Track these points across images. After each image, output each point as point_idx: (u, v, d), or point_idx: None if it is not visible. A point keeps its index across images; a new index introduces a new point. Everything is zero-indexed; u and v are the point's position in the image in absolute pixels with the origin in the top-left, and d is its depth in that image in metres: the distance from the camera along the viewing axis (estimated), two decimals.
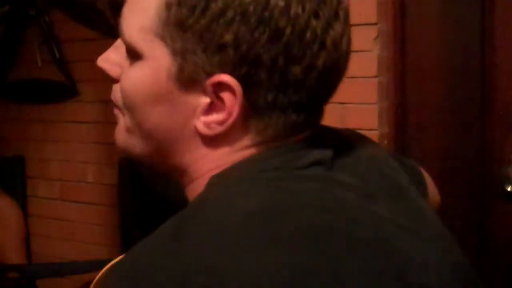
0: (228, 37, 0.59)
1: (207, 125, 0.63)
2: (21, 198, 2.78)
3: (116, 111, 0.71)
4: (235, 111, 0.61)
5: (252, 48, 0.59)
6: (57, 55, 2.62)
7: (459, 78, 1.95)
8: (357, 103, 1.95)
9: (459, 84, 1.95)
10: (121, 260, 0.58)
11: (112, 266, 0.58)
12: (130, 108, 0.67)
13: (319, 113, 0.68)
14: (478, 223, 1.93)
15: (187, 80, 0.62)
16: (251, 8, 0.58)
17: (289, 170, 0.63)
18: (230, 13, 0.58)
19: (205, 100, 0.62)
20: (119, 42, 0.68)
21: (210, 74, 0.61)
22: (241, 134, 0.64)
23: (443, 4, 1.94)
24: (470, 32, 1.91)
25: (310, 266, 0.55)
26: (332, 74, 0.63)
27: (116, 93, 0.69)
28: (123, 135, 0.70)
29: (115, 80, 0.69)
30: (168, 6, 0.61)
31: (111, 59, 0.69)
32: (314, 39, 0.60)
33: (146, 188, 2.12)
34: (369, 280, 0.57)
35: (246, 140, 0.65)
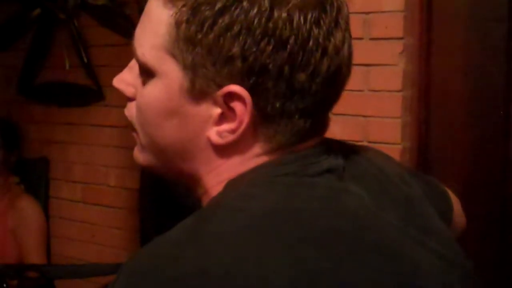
0: (236, 50, 0.62)
1: (219, 134, 0.66)
2: (44, 199, 2.80)
3: (132, 133, 0.74)
4: (246, 119, 0.64)
5: (259, 58, 0.62)
6: (85, 59, 2.65)
7: (484, 94, 1.93)
8: (381, 117, 1.95)
9: (484, 100, 1.94)
10: (135, 256, 0.60)
11: (126, 262, 0.60)
12: (144, 124, 0.71)
13: (325, 121, 0.71)
14: (500, 239, 1.91)
15: (198, 93, 0.65)
16: (256, 21, 0.61)
17: (301, 176, 0.66)
18: (236, 27, 0.61)
19: (216, 111, 0.65)
20: (133, 62, 0.72)
21: (220, 86, 0.64)
22: (251, 142, 0.67)
23: (469, 20, 1.93)
24: (496, 49, 1.90)
25: (318, 269, 0.57)
26: (335, 79, 0.66)
27: (131, 110, 0.72)
28: (141, 152, 0.74)
29: (131, 99, 0.72)
30: (177, 24, 0.64)
31: (126, 79, 0.72)
32: (316, 47, 0.63)
33: (167, 194, 2.14)
34: (376, 285, 0.59)
35: (257, 148, 0.67)
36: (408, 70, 1.94)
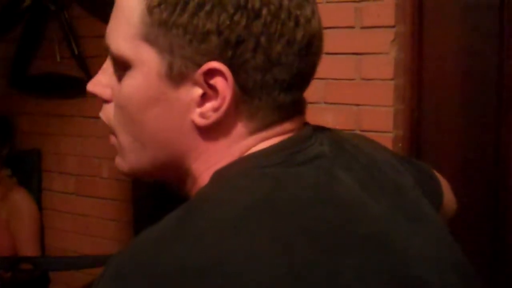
0: (210, 26, 0.62)
1: (203, 115, 0.66)
2: (36, 191, 2.80)
3: (111, 140, 0.74)
4: (228, 94, 0.64)
5: (234, 31, 0.62)
6: (76, 51, 2.64)
7: (476, 82, 1.94)
8: (373, 105, 1.95)
9: (476, 88, 1.94)
10: (118, 255, 0.59)
11: (114, 255, 0.59)
12: (125, 122, 0.69)
13: (304, 100, 0.72)
14: (493, 224, 1.92)
15: (178, 76, 0.65)
16: None
17: (290, 165, 0.65)
18: (208, 4, 0.62)
19: (197, 92, 0.65)
20: (106, 64, 0.72)
21: (199, 64, 0.64)
22: (234, 120, 0.66)
23: (461, 8, 1.93)
24: (488, 36, 1.90)
25: (308, 262, 0.57)
26: (309, 50, 0.67)
27: (108, 112, 0.72)
28: (124, 157, 0.72)
29: (107, 101, 0.72)
30: (150, 10, 0.64)
31: (101, 81, 0.72)
32: (289, 16, 0.64)
33: (160, 184, 2.14)
34: (366, 275, 0.59)
35: (241, 127, 0.67)
36: (400, 58, 1.94)
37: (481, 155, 1.94)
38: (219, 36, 0.62)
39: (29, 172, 2.81)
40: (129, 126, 0.69)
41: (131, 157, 0.72)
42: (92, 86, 0.72)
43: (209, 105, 0.65)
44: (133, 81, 0.67)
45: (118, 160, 0.74)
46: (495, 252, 1.91)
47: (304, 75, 0.68)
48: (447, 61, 1.97)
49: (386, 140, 1.90)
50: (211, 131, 0.67)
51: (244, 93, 0.65)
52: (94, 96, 0.72)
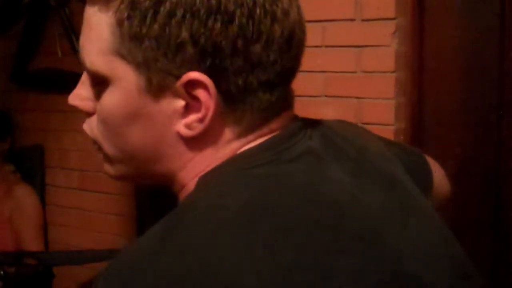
0: (184, 35, 0.60)
1: (188, 126, 0.64)
2: (40, 187, 2.81)
3: (95, 149, 0.72)
4: (211, 104, 0.62)
5: (209, 38, 0.60)
6: (77, 47, 2.64)
7: (478, 75, 1.93)
8: (374, 98, 1.95)
9: (477, 81, 1.94)
10: (112, 261, 0.59)
11: (104, 267, 0.58)
12: (109, 136, 0.68)
13: (291, 93, 0.69)
14: (493, 219, 1.92)
15: (157, 89, 0.63)
16: (198, 1, 0.60)
17: (277, 165, 0.64)
18: (179, 12, 0.60)
19: (179, 103, 0.63)
20: (84, 77, 0.70)
21: (178, 76, 0.62)
22: (221, 127, 0.65)
23: (463, 0, 1.93)
24: (490, 29, 1.89)
25: (297, 263, 0.56)
26: (291, 44, 0.64)
27: (92, 125, 0.70)
28: (111, 165, 0.72)
29: (90, 114, 0.70)
30: (119, 23, 0.62)
31: (82, 95, 0.70)
32: (265, 14, 0.62)
33: None
34: (356, 273, 0.58)
35: (228, 133, 0.65)
36: (401, 51, 1.93)
37: (482, 149, 1.94)
38: (194, 45, 0.60)
39: (32, 168, 2.82)
40: (114, 139, 0.68)
41: (117, 166, 0.71)
42: (72, 99, 0.71)
43: (193, 117, 0.63)
44: (113, 98, 0.65)
45: (106, 167, 0.73)
46: (495, 248, 1.91)
47: (288, 71, 0.66)
48: (448, 54, 1.96)
49: (388, 133, 1.90)
50: (197, 141, 0.65)
51: (228, 99, 0.63)
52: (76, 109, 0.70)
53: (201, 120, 0.63)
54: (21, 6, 2.71)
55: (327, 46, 1.97)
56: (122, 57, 0.63)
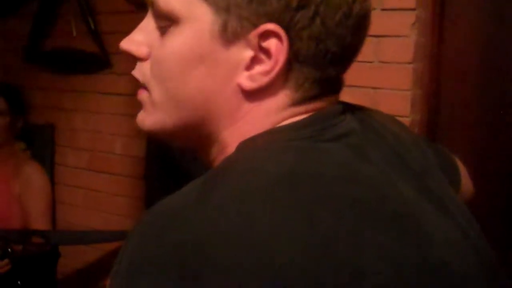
0: None
1: (252, 77, 0.64)
2: (49, 165, 2.81)
3: (140, 95, 0.70)
4: (281, 58, 0.62)
5: None
6: (92, 26, 2.63)
7: (496, 70, 1.91)
8: (390, 89, 1.92)
9: (495, 75, 1.91)
10: (143, 219, 0.59)
11: (134, 226, 0.58)
12: (164, 78, 0.67)
13: (342, 80, 0.71)
14: (508, 215, 1.90)
15: (231, 35, 0.63)
16: None
17: (316, 141, 0.64)
18: None
19: (248, 54, 0.64)
20: (143, 23, 0.69)
21: (255, 25, 0.62)
22: (281, 88, 0.65)
23: None
24: (509, 23, 1.87)
25: (333, 233, 0.55)
26: (362, 25, 0.66)
27: (144, 70, 0.69)
28: (151, 114, 0.69)
29: (142, 59, 0.69)
30: None
31: (137, 39, 0.69)
32: None
33: (173, 162, 2.13)
34: (390, 252, 0.58)
35: (284, 98, 0.65)
36: (419, 42, 1.91)
37: (500, 143, 1.91)
38: (280, 0, 0.61)
39: (42, 146, 2.82)
40: (167, 83, 0.67)
41: (158, 115, 0.69)
42: (127, 43, 0.69)
43: (259, 68, 0.64)
44: (180, 37, 0.65)
45: (141, 116, 0.71)
46: (509, 237, 1.89)
47: (353, 49, 0.67)
48: (467, 47, 1.94)
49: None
50: (255, 97, 0.65)
51: (296, 61, 0.63)
52: (127, 54, 0.69)
53: (267, 73, 0.63)
54: None
55: None
56: None
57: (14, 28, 2.93)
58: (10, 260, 2.16)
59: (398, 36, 1.89)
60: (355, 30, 0.65)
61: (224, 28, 0.63)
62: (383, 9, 1.91)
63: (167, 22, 0.65)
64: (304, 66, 0.64)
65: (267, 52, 0.63)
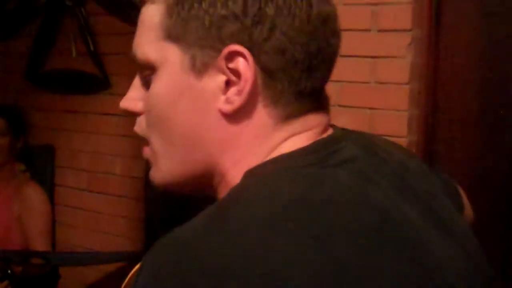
0: (226, 13, 0.65)
1: (227, 100, 0.67)
2: (49, 187, 2.81)
3: (145, 153, 0.74)
4: (250, 76, 0.65)
5: (248, 15, 0.64)
6: (92, 47, 2.65)
7: (493, 89, 1.92)
8: (387, 109, 1.94)
9: (492, 95, 1.92)
10: (156, 249, 0.59)
11: (147, 256, 0.58)
12: (156, 122, 0.71)
13: (325, 97, 0.72)
14: (507, 233, 1.91)
15: (201, 66, 0.67)
16: None
17: (324, 167, 0.65)
18: None
19: (221, 78, 0.67)
20: (135, 80, 0.74)
21: (220, 50, 0.65)
22: (258, 106, 0.67)
23: (479, 13, 1.92)
24: (505, 42, 1.88)
25: (343, 259, 0.56)
26: (326, 28, 0.68)
27: (141, 123, 0.74)
28: (158, 167, 0.73)
29: (140, 114, 0.74)
30: (169, 10, 0.67)
31: (132, 96, 0.74)
32: None
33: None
34: (400, 278, 0.58)
35: (265, 115, 0.67)
36: (416, 62, 1.93)
37: (496, 164, 1.92)
38: (235, 21, 0.64)
39: (42, 167, 2.83)
40: (159, 126, 0.71)
41: (163, 164, 0.72)
42: (125, 102, 0.75)
43: (233, 89, 0.66)
44: (160, 82, 0.69)
45: (152, 173, 0.74)
46: (509, 256, 1.89)
47: (322, 56, 0.68)
48: (463, 67, 1.95)
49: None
50: (238, 119, 0.67)
51: (267, 76, 0.66)
52: (126, 112, 0.74)
53: (240, 92, 0.66)
54: (37, 5, 2.73)
55: (342, 56, 1.95)
56: (170, 39, 0.68)
57: (14, 49, 2.95)
58: (10, 281, 2.15)
59: (395, 57, 1.91)
60: (318, 34, 0.67)
61: (193, 62, 0.67)
62: (379, 30, 1.94)
63: (148, 71, 0.70)
64: (277, 81, 0.66)
65: (236, 73, 0.66)
